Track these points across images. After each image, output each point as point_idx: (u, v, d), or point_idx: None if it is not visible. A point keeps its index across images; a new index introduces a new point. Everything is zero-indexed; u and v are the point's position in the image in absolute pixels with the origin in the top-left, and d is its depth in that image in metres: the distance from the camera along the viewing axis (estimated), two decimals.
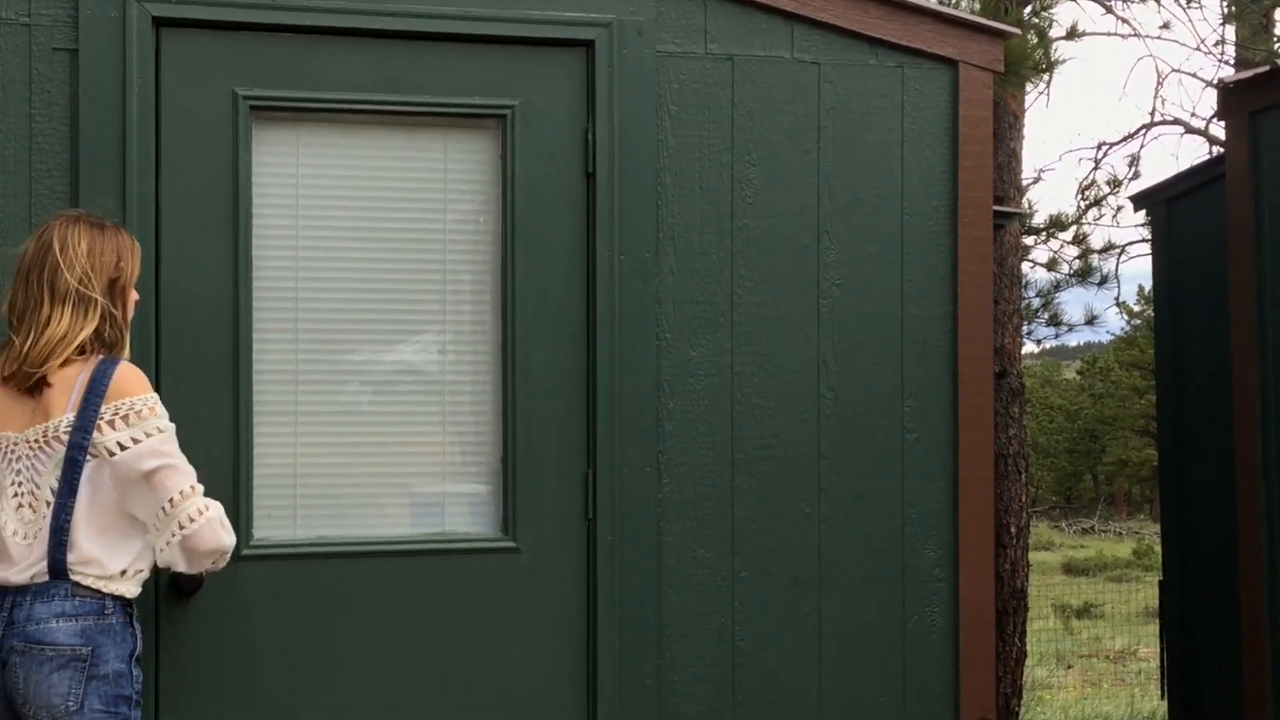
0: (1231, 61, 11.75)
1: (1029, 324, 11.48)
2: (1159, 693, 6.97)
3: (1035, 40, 8.16)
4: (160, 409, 3.24)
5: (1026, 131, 9.57)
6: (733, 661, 4.09)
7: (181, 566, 3.25)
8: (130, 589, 3.23)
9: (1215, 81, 10.67)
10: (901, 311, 4.24)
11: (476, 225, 4.02)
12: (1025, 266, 10.63)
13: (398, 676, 3.87)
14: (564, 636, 3.98)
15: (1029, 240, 11.03)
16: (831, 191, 4.19)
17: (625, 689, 3.99)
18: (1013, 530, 8.26)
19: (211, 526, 3.22)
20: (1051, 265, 11.84)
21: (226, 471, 3.74)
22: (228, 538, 3.26)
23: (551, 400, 3.98)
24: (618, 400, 3.99)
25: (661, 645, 4.04)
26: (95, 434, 3.16)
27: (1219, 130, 11.00)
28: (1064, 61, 8.77)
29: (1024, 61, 6.79)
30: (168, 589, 3.68)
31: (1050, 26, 9.17)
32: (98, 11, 3.70)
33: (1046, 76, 8.74)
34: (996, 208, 4.75)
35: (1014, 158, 8.58)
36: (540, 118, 3.99)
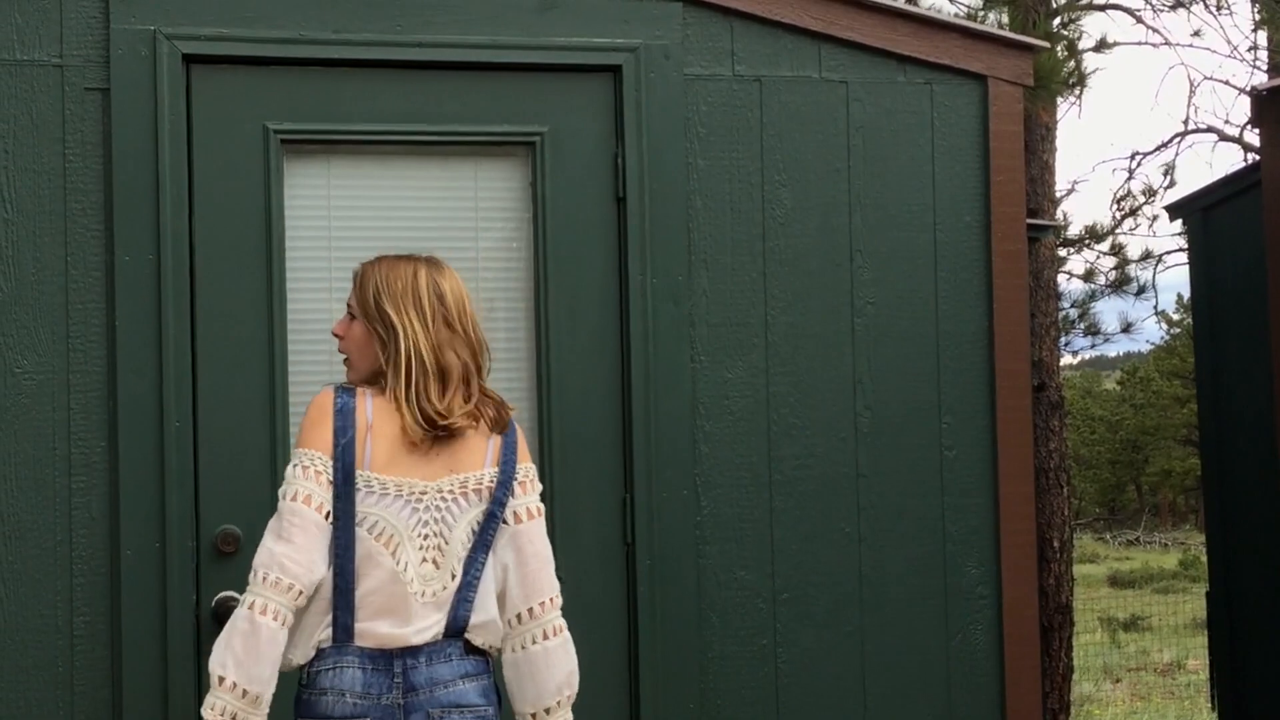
0: (1264, 67, 11.68)
1: (1066, 335, 11.40)
2: (1209, 705, 6.90)
3: (1065, 53, 8.13)
4: None
5: (1059, 143, 9.54)
6: (776, 684, 4.07)
7: (526, 689, 3.08)
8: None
9: (1248, 88, 10.61)
10: (937, 328, 4.22)
11: (509, 251, 4.02)
12: (1061, 278, 10.57)
13: None
14: (606, 662, 3.97)
15: (1064, 252, 10.97)
16: (863, 210, 4.18)
17: (669, 714, 3.97)
18: (1056, 544, 8.20)
19: (568, 648, 3.09)
20: (1088, 276, 11.76)
21: (265, 502, 3.75)
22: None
23: (587, 425, 3.98)
24: (653, 423, 3.99)
25: (704, 669, 4.02)
26: (513, 494, 3.03)
27: (1253, 137, 10.93)
28: (1094, 73, 8.73)
29: (1054, 75, 6.76)
30: (210, 620, 3.70)
31: (1080, 38, 9.15)
32: (128, 51, 3.73)
33: (1077, 90, 8.71)
34: (1030, 220, 4.72)
35: (1047, 170, 8.54)
36: (569, 143, 4.00)
